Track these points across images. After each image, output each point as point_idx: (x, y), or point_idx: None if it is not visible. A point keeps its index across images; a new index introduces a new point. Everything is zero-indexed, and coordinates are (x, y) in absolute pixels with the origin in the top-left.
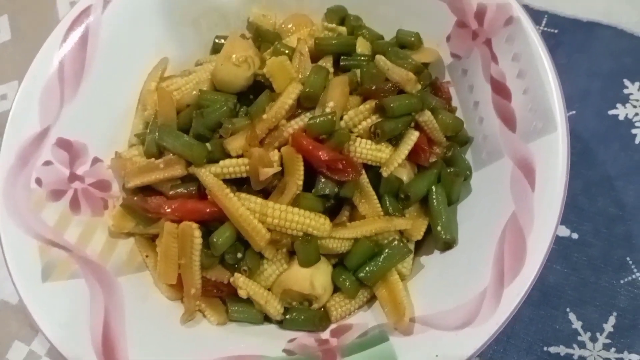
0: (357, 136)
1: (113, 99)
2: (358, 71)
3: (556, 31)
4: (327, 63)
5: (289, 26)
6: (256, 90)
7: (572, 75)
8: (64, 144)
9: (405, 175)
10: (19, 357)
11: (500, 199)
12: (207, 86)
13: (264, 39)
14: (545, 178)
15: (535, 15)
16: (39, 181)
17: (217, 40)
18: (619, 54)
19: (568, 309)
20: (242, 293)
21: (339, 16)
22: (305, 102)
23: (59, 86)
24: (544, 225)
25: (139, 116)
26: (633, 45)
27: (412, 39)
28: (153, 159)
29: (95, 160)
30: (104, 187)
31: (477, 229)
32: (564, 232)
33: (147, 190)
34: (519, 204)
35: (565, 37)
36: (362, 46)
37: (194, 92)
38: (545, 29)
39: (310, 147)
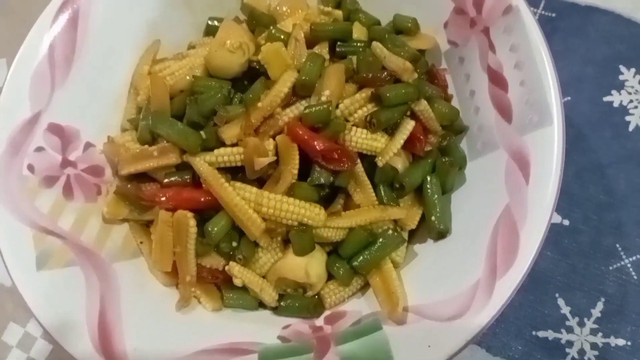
0: (353, 125)
1: (104, 83)
2: (354, 58)
3: (554, 15)
4: (322, 50)
5: (284, 9)
6: (251, 75)
7: (568, 61)
8: (55, 129)
9: (400, 164)
10: (14, 339)
11: (495, 190)
12: (201, 71)
13: (258, 22)
14: (539, 172)
15: None
16: (31, 168)
17: (210, 22)
18: (616, 40)
19: (557, 295)
20: (238, 282)
21: None
22: (301, 91)
23: (49, 70)
24: (537, 219)
25: (132, 100)
26: (630, 31)
27: (409, 24)
28: (147, 146)
29: (88, 145)
30: (97, 173)
31: (471, 219)
32: (556, 218)
33: (141, 176)
34: (513, 197)
35: (563, 21)
36: (358, 32)
37: (188, 78)
38: (543, 12)
39: (306, 137)
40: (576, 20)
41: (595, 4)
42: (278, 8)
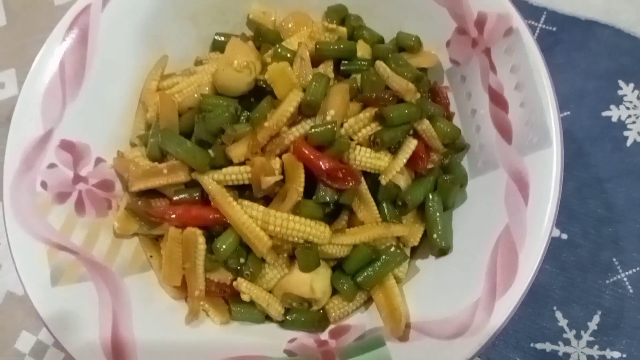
0: (357, 144)
1: (113, 98)
2: (358, 77)
3: (554, 29)
4: (327, 68)
5: (289, 25)
6: (257, 92)
7: (568, 74)
8: (67, 146)
9: (402, 181)
10: (27, 347)
11: (495, 209)
12: (209, 89)
13: (264, 39)
14: (538, 194)
15: (534, 11)
16: (44, 184)
17: (217, 37)
18: (616, 55)
19: (555, 308)
20: (245, 297)
21: (340, 16)
22: (306, 110)
23: (60, 87)
24: (536, 241)
25: (140, 116)
26: (630, 46)
27: (412, 42)
28: (156, 163)
29: (98, 161)
30: (108, 187)
31: (472, 237)
32: (554, 232)
33: (150, 191)
34: (513, 217)
35: (564, 35)
36: (362, 50)
37: (196, 96)
38: (544, 26)
39: (312, 157)
40: (577, 34)
41: (596, 18)
42: (283, 24)
